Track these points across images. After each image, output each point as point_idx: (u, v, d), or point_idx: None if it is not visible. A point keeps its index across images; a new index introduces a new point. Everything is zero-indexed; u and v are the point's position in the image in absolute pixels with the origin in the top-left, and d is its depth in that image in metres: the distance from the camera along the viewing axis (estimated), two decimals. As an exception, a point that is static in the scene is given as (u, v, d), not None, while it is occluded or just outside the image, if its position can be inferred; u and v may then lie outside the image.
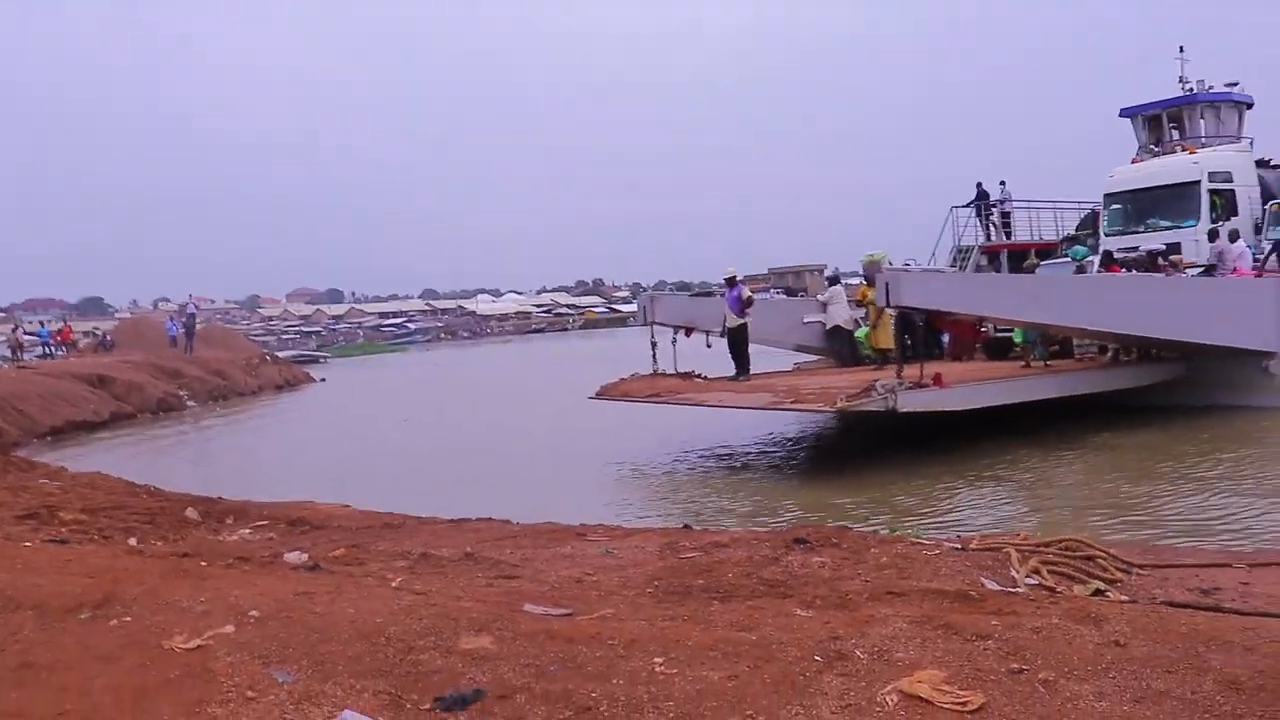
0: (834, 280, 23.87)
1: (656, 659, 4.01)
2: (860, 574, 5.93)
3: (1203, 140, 25.22)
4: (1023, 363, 18.34)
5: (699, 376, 18.79)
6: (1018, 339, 19.26)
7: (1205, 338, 17.06)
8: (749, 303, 18.74)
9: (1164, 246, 20.97)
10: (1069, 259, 20.79)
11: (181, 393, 35.00)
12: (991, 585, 5.84)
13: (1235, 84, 26.20)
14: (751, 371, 18.66)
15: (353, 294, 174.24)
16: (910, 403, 14.08)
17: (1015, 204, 28.54)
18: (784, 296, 61.27)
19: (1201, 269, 19.33)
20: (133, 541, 7.96)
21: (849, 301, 22.03)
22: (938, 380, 14.66)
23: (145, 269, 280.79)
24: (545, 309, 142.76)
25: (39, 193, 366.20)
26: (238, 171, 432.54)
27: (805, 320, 22.44)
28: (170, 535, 8.48)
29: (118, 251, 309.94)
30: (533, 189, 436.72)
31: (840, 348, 21.60)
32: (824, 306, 22.14)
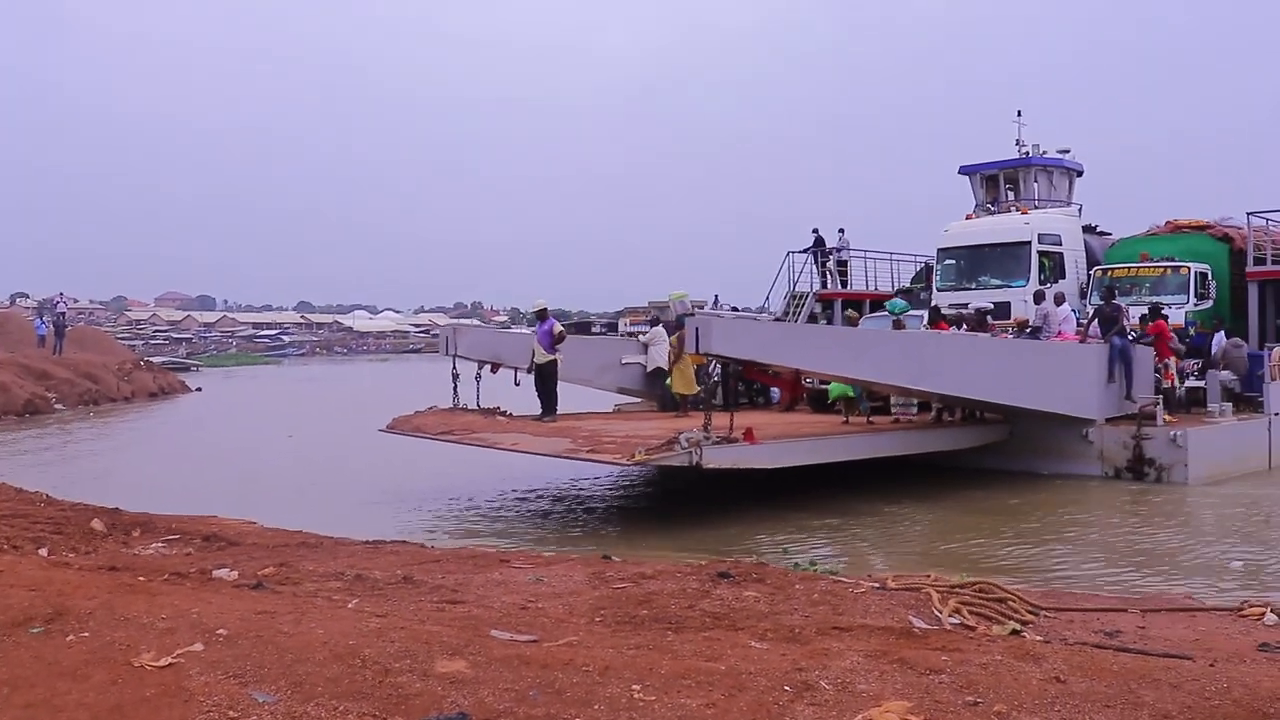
0: (655, 320, 22.96)
1: (634, 686, 4.14)
2: (796, 609, 6.15)
3: (1036, 202, 26.14)
4: (843, 418, 17.74)
5: (503, 414, 17.90)
6: (833, 394, 18.53)
7: (1027, 402, 16.69)
8: (560, 338, 17.85)
9: (992, 305, 21.10)
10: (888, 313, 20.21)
11: (50, 395, 33.68)
12: (919, 623, 6.13)
13: (1067, 151, 27.48)
14: (559, 412, 17.84)
15: (225, 302, 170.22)
16: (716, 458, 13.22)
17: (852, 253, 28.83)
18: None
19: (1029, 330, 19.32)
20: (43, 552, 7.74)
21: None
22: (748, 435, 13.77)
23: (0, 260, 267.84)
24: (423, 329, 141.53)
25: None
26: (103, 158, 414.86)
27: (624, 361, 21.52)
28: (81, 547, 8.26)
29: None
30: (413, 204, 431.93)
31: (663, 391, 20.59)
32: (645, 347, 21.32)
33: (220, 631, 4.52)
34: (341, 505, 15.50)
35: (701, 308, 27.03)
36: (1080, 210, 26.84)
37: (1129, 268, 22.81)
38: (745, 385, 21.41)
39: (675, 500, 16.25)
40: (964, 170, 27.83)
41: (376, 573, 7.03)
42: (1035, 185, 26.73)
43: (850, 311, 22.55)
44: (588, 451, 13.74)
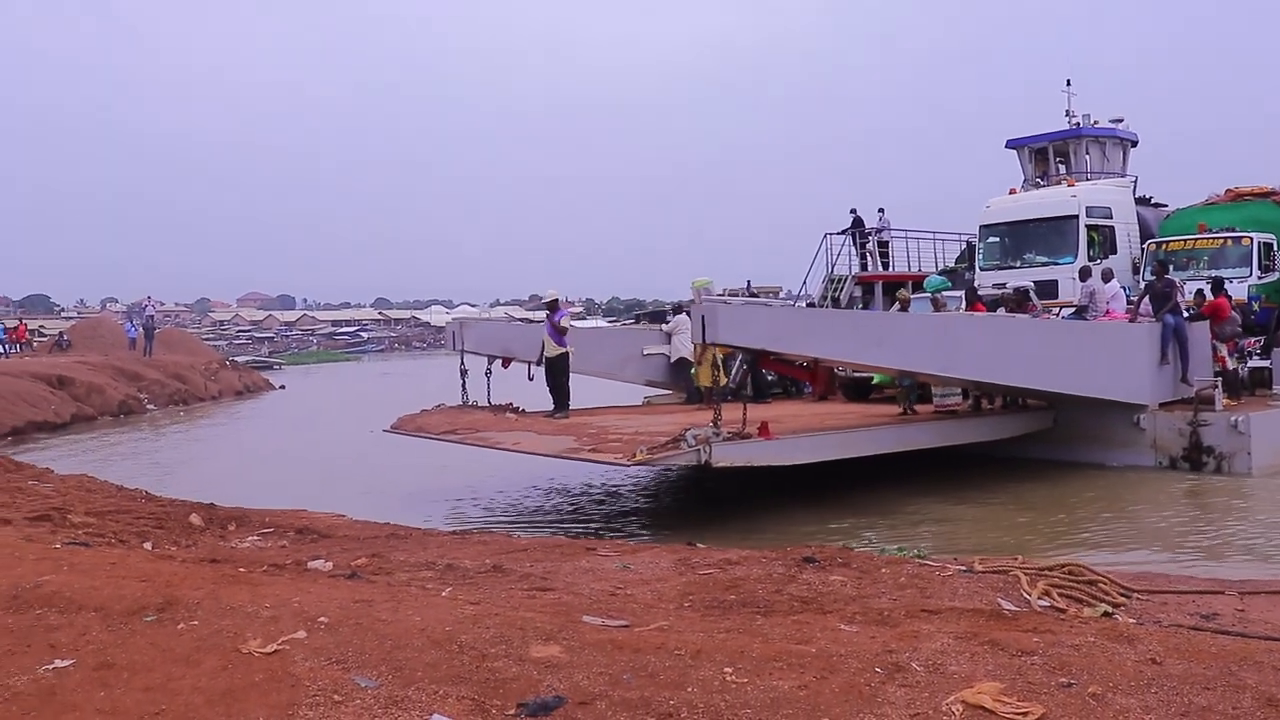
0: (679, 309, 21.29)
1: (726, 669, 4.20)
2: (884, 593, 6.16)
3: (1089, 176, 24.64)
4: (900, 409, 16.22)
5: (514, 410, 17.19)
6: (877, 378, 17.38)
7: (1070, 387, 15.37)
8: (564, 330, 16.79)
9: (1032, 284, 20.01)
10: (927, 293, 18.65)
11: (142, 396, 34.70)
12: (1008, 606, 6.09)
13: (1120, 120, 26.05)
14: (572, 407, 16.95)
15: (305, 301, 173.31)
16: (727, 456, 12.20)
17: (893, 233, 27.61)
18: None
19: (1072, 310, 17.90)
20: (148, 546, 8.02)
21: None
22: (764, 430, 12.74)
23: (91, 267, 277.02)
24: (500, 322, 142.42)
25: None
26: (187, 172, 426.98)
27: (646, 352, 20.47)
28: (181, 540, 8.54)
29: (62, 248, 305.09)
30: (488, 200, 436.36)
31: (689, 382, 19.33)
32: (669, 337, 20.33)
33: (321, 619, 4.67)
34: (419, 498, 15.75)
35: (757, 296, 26.09)
36: (1135, 182, 25.22)
37: (1185, 240, 21.16)
38: (779, 375, 20.45)
39: (733, 492, 15.68)
40: (1011, 144, 26.50)
41: (466, 562, 7.17)
42: (1087, 158, 25.33)
43: (902, 291, 20.36)
44: (589, 451, 13.01)
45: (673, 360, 20.13)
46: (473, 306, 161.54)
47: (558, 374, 16.74)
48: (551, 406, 16.90)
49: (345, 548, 8.29)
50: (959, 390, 16.51)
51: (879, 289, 26.26)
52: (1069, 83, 26.14)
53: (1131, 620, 6.04)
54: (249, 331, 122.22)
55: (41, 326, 72.36)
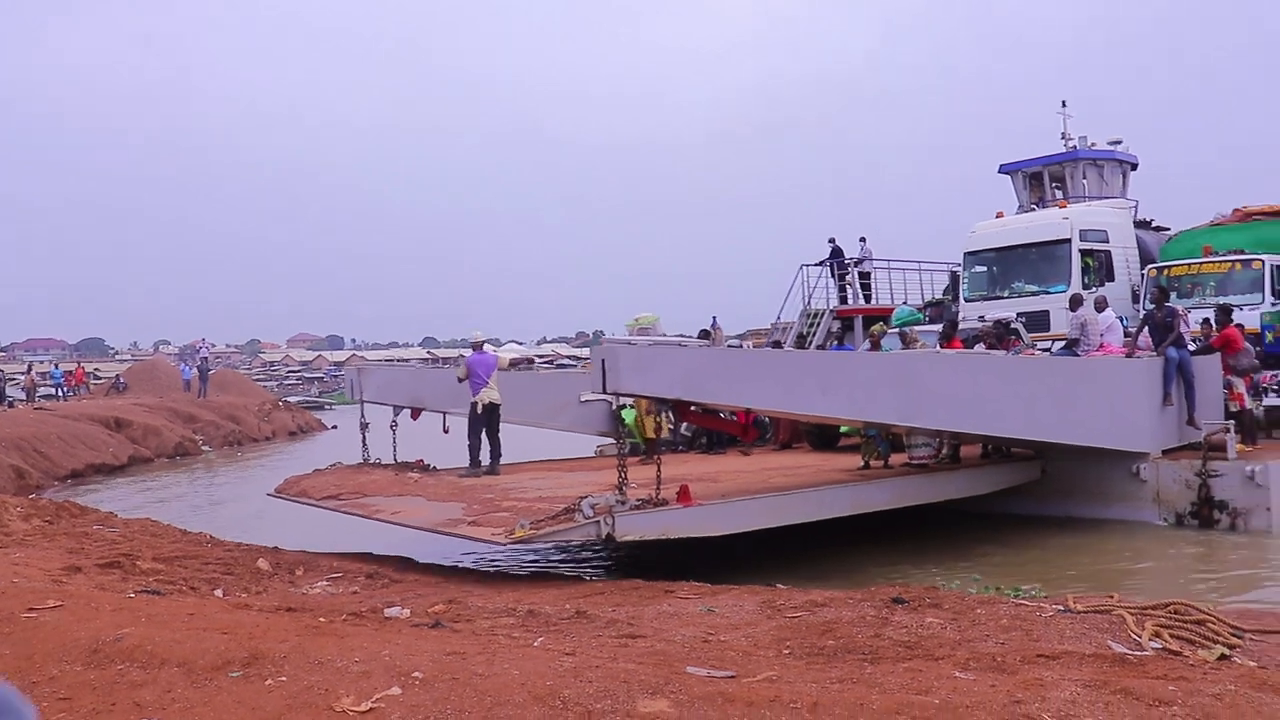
0: None
1: (848, 725, 3.95)
2: (989, 635, 5.87)
3: (1086, 200, 23.09)
4: (862, 463, 14.15)
5: (424, 468, 15.29)
6: (844, 428, 15.34)
7: (1056, 434, 13.37)
8: (460, 379, 14.56)
9: (1014, 315, 18.46)
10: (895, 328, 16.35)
11: (197, 437, 34.92)
12: (1119, 648, 5.78)
13: (1118, 142, 24.73)
14: (504, 460, 14.94)
15: (353, 340, 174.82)
16: (635, 528, 10.20)
17: (875, 263, 25.62)
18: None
19: (1063, 344, 15.87)
20: (218, 593, 7.90)
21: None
22: (683, 496, 10.71)
23: (144, 310, 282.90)
24: (547, 360, 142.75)
25: (36, 231, 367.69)
26: (233, 213, 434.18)
27: (584, 398, 17.72)
28: (251, 586, 8.42)
29: (115, 293, 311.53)
30: (532, 236, 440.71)
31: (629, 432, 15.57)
32: None
33: (415, 674, 4.47)
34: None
35: (708, 336, 23.03)
36: (1136, 206, 23.56)
37: (1189, 264, 19.33)
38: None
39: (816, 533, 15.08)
40: (1004, 169, 25.02)
41: (546, 607, 6.97)
42: (1084, 181, 23.86)
43: (876, 326, 17.00)
44: (468, 524, 10.89)
45: (615, 407, 18.11)
46: (519, 344, 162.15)
47: (470, 424, 14.64)
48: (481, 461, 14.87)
49: (419, 592, 8.14)
50: (933, 441, 14.27)
51: (859, 323, 24.13)
52: (1064, 104, 25.01)
53: (1252, 663, 5.71)
54: (299, 372, 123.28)
55: (96, 369, 73.51)
